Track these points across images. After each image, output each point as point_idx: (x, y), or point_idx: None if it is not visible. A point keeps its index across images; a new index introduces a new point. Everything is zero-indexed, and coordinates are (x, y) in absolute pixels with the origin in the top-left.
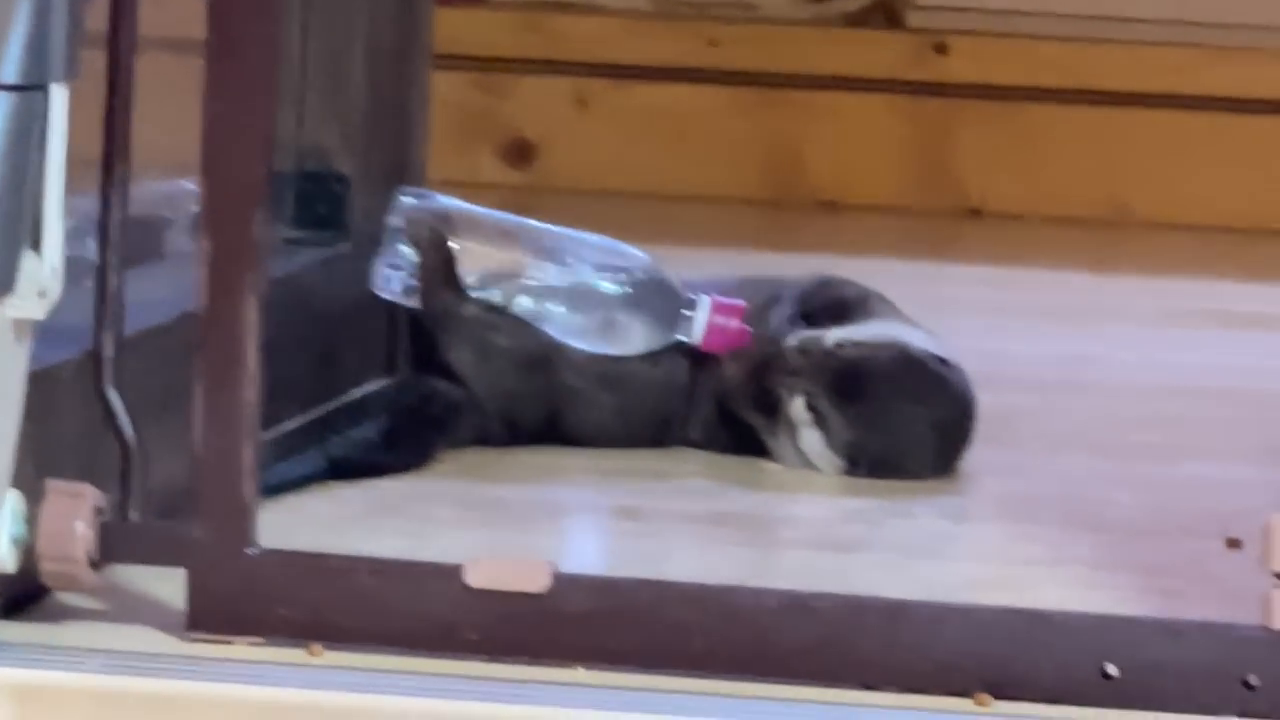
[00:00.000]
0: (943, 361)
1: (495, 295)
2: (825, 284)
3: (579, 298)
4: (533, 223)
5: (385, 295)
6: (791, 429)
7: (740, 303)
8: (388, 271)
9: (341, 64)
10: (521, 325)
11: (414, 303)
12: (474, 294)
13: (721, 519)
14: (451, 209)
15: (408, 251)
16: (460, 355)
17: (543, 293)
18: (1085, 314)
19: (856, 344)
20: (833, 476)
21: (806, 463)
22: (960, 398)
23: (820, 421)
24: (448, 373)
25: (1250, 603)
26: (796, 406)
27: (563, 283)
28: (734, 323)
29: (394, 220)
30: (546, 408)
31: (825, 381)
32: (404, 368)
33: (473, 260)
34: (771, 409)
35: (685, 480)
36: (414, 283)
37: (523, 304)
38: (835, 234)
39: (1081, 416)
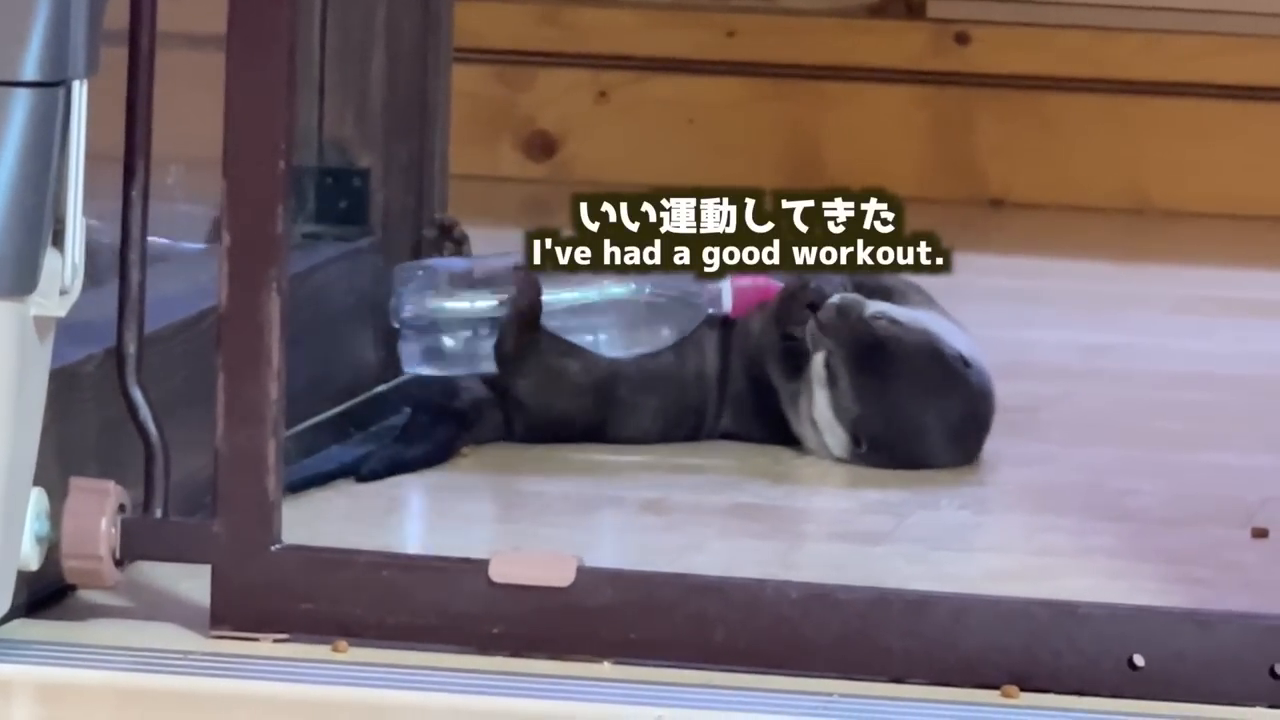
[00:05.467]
0: (966, 363)
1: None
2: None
3: (599, 312)
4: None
5: (423, 373)
6: (809, 392)
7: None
8: (417, 351)
9: (361, 58)
10: (590, 355)
11: (454, 371)
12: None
13: (746, 511)
14: (445, 269)
15: (422, 326)
16: (527, 384)
17: (563, 315)
18: (1107, 303)
19: (892, 321)
20: (846, 463)
21: (819, 439)
22: (974, 401)
23: (833, 383)
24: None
25: (1277, 592)
26: (816, 363)
27: (579, 302)
28: (759, 280)
29: (405, 310)
30: (595, 422)
31: (849, 347)
32: None
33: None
34: (795, 365)
35: (710, 474)
36: (443, 346)
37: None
38: None
39: (1104, 405)
